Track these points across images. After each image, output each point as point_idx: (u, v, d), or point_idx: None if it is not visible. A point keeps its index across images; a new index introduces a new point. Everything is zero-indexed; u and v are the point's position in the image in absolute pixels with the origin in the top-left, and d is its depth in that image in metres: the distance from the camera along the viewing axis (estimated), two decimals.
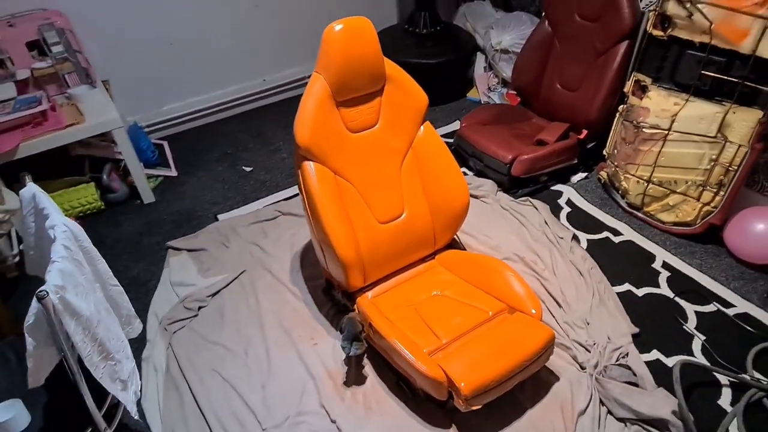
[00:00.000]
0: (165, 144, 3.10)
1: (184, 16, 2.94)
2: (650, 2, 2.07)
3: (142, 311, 2.05)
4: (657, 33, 2.10)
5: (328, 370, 1.80)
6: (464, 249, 2.21)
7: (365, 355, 1.83)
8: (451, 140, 2.84)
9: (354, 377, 1.76)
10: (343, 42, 1.61)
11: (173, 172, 2.88)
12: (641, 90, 2.22)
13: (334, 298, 1.99)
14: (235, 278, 2.16)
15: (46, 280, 1.00)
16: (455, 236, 2.21)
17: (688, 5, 1.93)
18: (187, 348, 1.90)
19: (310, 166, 1.68)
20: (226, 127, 3.24)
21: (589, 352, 1.78)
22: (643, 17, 2.25)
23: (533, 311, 1.67)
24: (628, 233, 2.30)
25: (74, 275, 1.05)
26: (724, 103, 1.99)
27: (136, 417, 1.24)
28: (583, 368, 1.75)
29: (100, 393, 1.18)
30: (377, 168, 1.81)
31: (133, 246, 2.40)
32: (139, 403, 1.69)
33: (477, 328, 1.67)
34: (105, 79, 2.85)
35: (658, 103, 2.14)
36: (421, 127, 1.86)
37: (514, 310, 1.72)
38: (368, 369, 1.80)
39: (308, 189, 1.67)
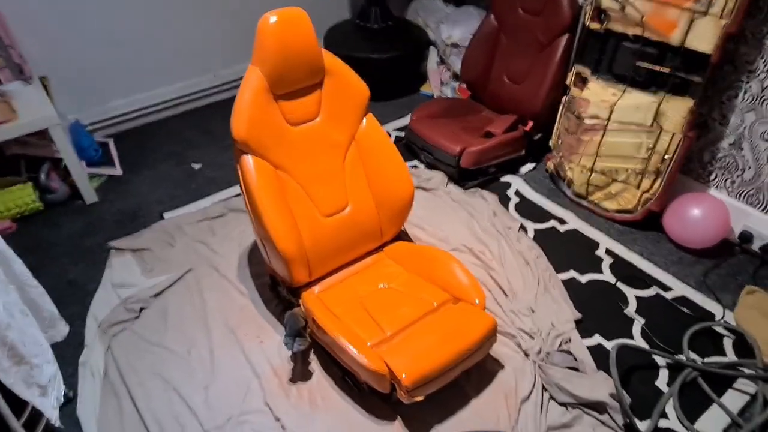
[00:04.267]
0: (110, 142, 2.99)
1: (129, 10, 2.83)
2: None
3: (80, 315, 1.98)
4: (594, 26, 2.15)
5: (273, 367, 1.77)
6: (413, 241, 2.21)
7: (311, 351, 1.81)
8: (403, 134, 2.84)
9: (300, 374, 1.74)
10: (278, 33, 1.58)
11: (118, 171, 2.79)
12: (582, 82, 2.27)
13: (279, 295, 1.96)
14: (180, 278, 2.11)
15: None
16: (404, 228, 2.21)
17: None
18: (127, 351, 1.84)
19: (248, 160, 1.64)
20: (174, 124, 3.16)
21: (533, 339, 1.80)
22: (581, 11, 2.30)
23: (477, 301, 1.69)
24: (574, 222, 2.35)
25: None
26: (658, 93, 2.05)
27: (57, 424, 1.19)
28: (527, 355, 1.77)
29: (21, 400, 1.13)
30: (319, 161, 1.79)
31: (73, 248, 2.31)
32: (74, 411, 1.64)
33: (421, 320, 1.67)
34: (43, 76, 2.74)
35: (598, 94, 2.19)
36: (364, 119, 1.85)
37: (459, 300, 1.73)
38: (314, 365, 1.78)
39: (247, 183, 1.64)
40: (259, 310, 1.98)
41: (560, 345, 1.76)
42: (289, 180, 1.73)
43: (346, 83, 1.78)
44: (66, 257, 2.27)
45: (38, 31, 2.62)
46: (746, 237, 2.11)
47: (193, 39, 3.13)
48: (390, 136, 3.02)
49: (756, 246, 2.10)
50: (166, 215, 2.46)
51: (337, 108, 1.79)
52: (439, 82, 3.41)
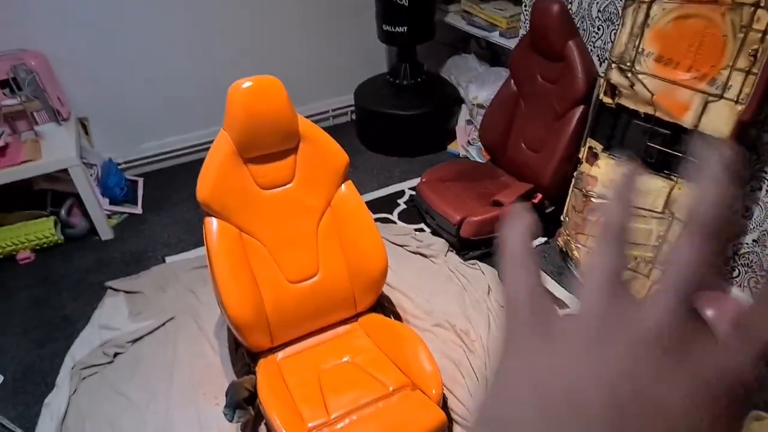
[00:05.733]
0: (140, 181, 3.16)
1: (168, 57, 3.02)
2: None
3: (62, 352, 2.04)
4: (607, 100, 2.01)
5: None
6: (396, 310, 2.12)
7: (263, 422, 1.74)
8: None
9: None
10: (247, 100, 1.60)
11: (138, 210, 2.92)
12: (594, 157, 2.12)
13: (243, 357, 1.92)
14: (161, 325, 2.13)
15: None
16: (389, 295, 2.13)
17: (629, 75, 1.84)
18: (91, 396, 1.86)
19: (212, 223, 1.65)
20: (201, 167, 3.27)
21: None
22: (596, 82, 2.17)
23: (433, 392, 1.56)
24: (576, 307, 2.15)
25: None
26: (671, 177, 1.87)
27: None
28: None
29: None
30: (290, 226, 1.77)
31: (77, 283, 2.41)
32: None
33: (371, 405, 1.56)
34: (84, 117, 2.96)
35: (607, 173, 2.03)
36: (342, 186, 1.82)
37: (416, 387, 1.61)
38: None
39: (208, 246, 1.64)
40: (226, 369, 1.95)
41: None
42: (255, 244, 1.72)
43: (322, 149, 1.76)
44: (69, 291, 2.37)
45: (81, 75, 2.84)
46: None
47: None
48: (405, 194, 2.96)
49: None
50: (168, 259, 2.52)
51: (313, 173, 1.77)
52: (467, 141, 3.34)
